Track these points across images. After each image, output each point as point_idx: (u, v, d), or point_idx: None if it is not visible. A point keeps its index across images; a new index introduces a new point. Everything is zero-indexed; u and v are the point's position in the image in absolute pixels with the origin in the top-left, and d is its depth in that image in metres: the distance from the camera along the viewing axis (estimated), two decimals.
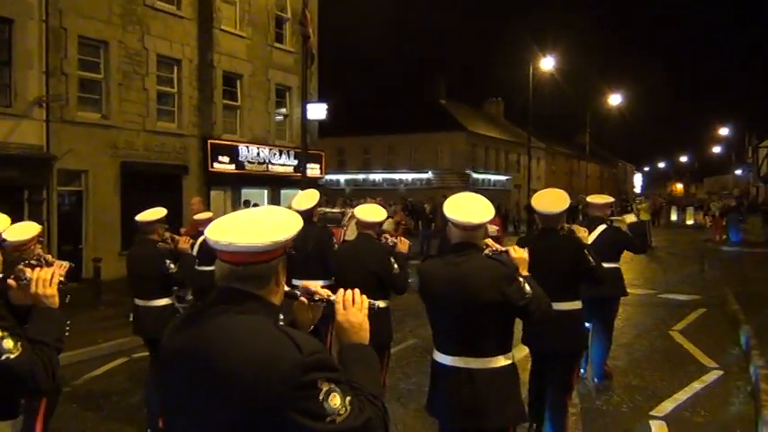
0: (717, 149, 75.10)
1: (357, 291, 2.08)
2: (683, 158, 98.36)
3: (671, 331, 9.48)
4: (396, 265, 5.07)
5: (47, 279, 2.78)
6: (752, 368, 6.94)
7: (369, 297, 5.28)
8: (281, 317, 1.91)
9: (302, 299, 2.08)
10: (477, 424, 3.35)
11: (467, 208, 3.37)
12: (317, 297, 2.09)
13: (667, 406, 6.23)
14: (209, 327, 1.78)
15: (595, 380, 6.87)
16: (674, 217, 42.26)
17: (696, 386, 6.82)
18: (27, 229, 4.92)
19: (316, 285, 2.13)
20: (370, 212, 5.30)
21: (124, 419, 6.09)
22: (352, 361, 1.93)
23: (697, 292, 12.98)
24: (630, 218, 7.43)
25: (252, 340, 1.72)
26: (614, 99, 49.34)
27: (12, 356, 2.48)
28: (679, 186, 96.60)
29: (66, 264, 3.93)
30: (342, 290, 2.08)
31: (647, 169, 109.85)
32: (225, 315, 1.79)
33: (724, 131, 65.85)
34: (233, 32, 19.41)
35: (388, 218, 5.41)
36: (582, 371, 6.83)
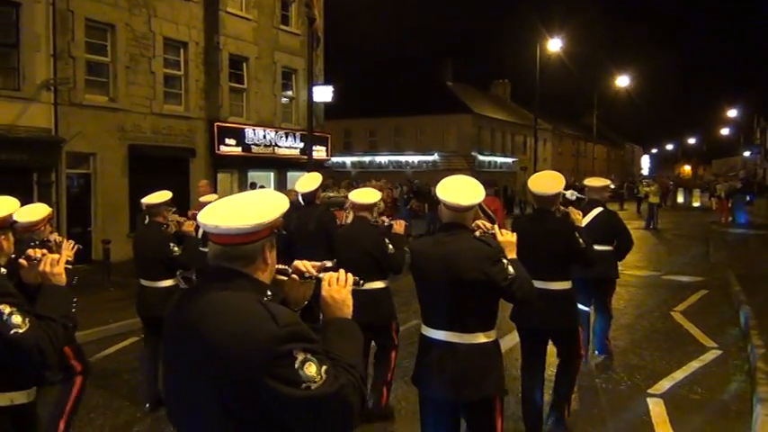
0: (725, 131, 74.78)
1: (342, 270, 2.21)
2: (692, 140, 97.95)
3: (672, 312, 9.58)
4: (391, 246, 5.19)
5: (55, 258, 2.95)
6: (750, 348, 7.05)
7: (366, 277, 5.41)
8: (269, 293, 2.02)
9: (293, 276, 2.21)
10: (457, 396, 3.50)
11: (457, 190, 3.50)
12: (307, 275, 2.21)
13: (665, 384, 6.36)
14: (201, 302, 1.94)
15: (596, 352, 7.02)
16: (680, 199, 42.20)
17: (694, 365, 6.94)
18: (37, 211, 5.08)
19: (306, 264, 2.25)
20: (364, 195, 5.43)
21: (134, 396, 6.26)
22: (334, 334, 2.06)
23: (700, 274, 13.07)
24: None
25: (233, 314, 1.87)
26: (622, 80, 49.06)
27: (20, 331, 2.62)
28: (687, 168, 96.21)
29: (73, 244, 4.07)
30: (329, 269, 2.22)
31: (654, 151, 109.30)
32: (214, 291, 1.94)
33: (732, 113, 65.48)
34: (239, 15, 19.43)
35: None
36: (582, 352, 6.97)
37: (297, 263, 2.25)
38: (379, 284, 5.23)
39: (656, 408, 5.73)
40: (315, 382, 1.80)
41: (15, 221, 3.17)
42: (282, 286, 2.21)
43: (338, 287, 2.15)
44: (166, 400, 2.10)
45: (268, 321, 1.82)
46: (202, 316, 1.89)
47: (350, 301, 2.16)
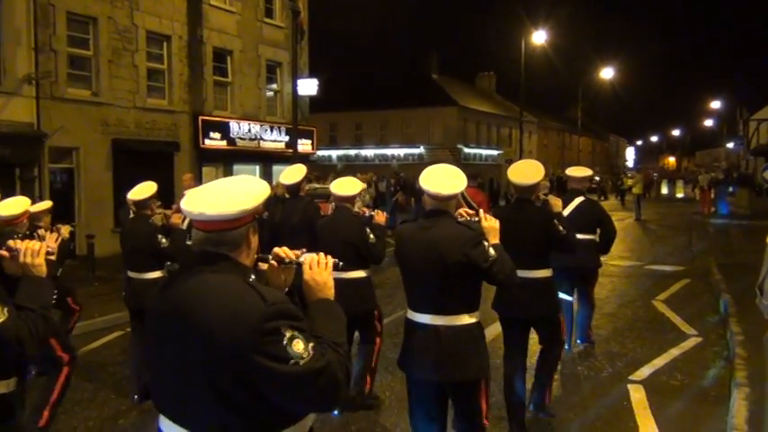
0: (709, 123, 75.34)
1: (322, 253, 2.26)
2: (676, 132, 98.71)
3: (654, 301, 9.71)
4: (372, 236, 5.24)
5: (35, 249, 2.96)
6: (729, 334, 7.17)
7: (347, 267, 5.41)
8: (253, 276, 2.07)
9: (272, 262, 2.25)
10: (442, 378, 3.57)
11: (440, 179, 3.57)
12: (287, 260, 2.25)
13: (645, 371, 6.46)
14: (186, 286, 1.98)
15: (578, 341, 7.10)
16: (664, 190, 42.57)
17: (674, 352, 7.06)
18: (18, 204, 5.10)
19: (286, 250, 2.28)
20: (345, 186, 5.47)
21: (120, 389, 6.29)
22: (318, 314, 2.11)
23: (682, 264, 13.24)
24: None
25: (222, 294, 1.91)
26: (606, 73, 49.31)
27: None
28: (671, 160, 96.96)
29: (57, 236, 4.08)
30: (309, 253, 2.26)
31: (639, 143, 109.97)
32: (200, 274, 1.98)
33: (716, 105, 66.04)
34: (222, 8, 19.34)
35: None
36: (566, 348, 7.05)
37: (276, 249, 2.28)
38: (360, 273, 5.27)
39: (637, 394, 5.82)
40: (302, 358, 1.84)
41: None
42: (263, 274, 2.24)
43: (319, 270, 2.20)
44: (154, 388, 2.11)
45: (256, 300, 1.87)
46: (189, 299, 1.93)
47: (331, 283, 2.21)
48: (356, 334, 5.63)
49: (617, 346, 7.36)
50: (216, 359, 1.85)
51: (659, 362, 6.74)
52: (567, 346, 7.04)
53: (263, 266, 2.24)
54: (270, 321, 1.84)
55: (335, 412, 5.30)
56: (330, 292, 2.20)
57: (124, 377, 6.61)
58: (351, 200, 5.44)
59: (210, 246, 2.03)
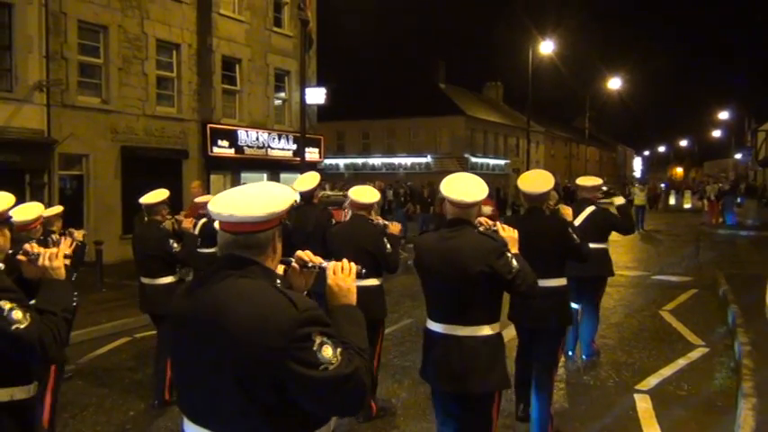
0: (717, 133, 75.01)
1: (346, 260, 2.28)
2: (684, 142, 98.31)
3: (661, 311, 9.69)
4: (389, 245, 5.26)
5: (54, 252, 2.97)
6: (736, 344, 7.15)
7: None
8: (278, 281, 2.10)
9: (295, 265, 2.29)
10: (463, 388, 3.56)
11: (462, 187, 3.58)
12: (309, 264, 2.29)
13: (652, 381, 6.44)
14: (215, 290, 2.00)
15: (584, 357, 7.07)
16: (672, 201, 42.42)
17: (681, 362, 7.04)
18: (32, 210, 5.16)
19: (309, 253, 2.32)
20: (365, 194, 5.48)
21: (127, 395, 6.32)
22: (342, 320, 2.13)
23: (690, 274, 13.20)
24: (619, 200, 7.57)
25: (253, 300, 1.94)
26: (614, 83, 49.25)
27: (21, 326, 2.62)
28: (679, 170, 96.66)
29: (71, 241, 4.13)
30: (334, 260, 2.29)
31: (646, 153, 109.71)
32: (229, 279, 2.00)
33: (724, 115, 65.71)
34: (232, 17, 19.47)
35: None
36: (570, 353, 7.05)
37: (299, 252, 2.32)
38: (374, 282, 5.28)
39: (643, 403, 5.81)
40: (332, 363, 1.87)
41: (10, 217, 3.19)
42: (284, 276, 2.28)
43: (343, 276, 2.23)
44: (180, 391, 2.13)
45: (288, 306, 1.90)
46: (219, 304, 1.95)
47: (354, 289, 2.23)
48: None
49: (623, 356, 7.35)
50: (247, 363, 1.87)
51: (666, 372, 6.72)
52: (570, 352, 7.06)
53: (281, 269, 2.26)
54: (302, 327, 1.87)
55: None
56: (353, 298, 2.22)
57: (132, 383, 6.65)
58: (369, 208, 5.45)
59: (238, 249, 2.04)
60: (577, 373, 6.70)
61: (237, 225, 2.03)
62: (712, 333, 8.25)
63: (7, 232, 3.11)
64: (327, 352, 1.88)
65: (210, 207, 2.07)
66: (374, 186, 8.80)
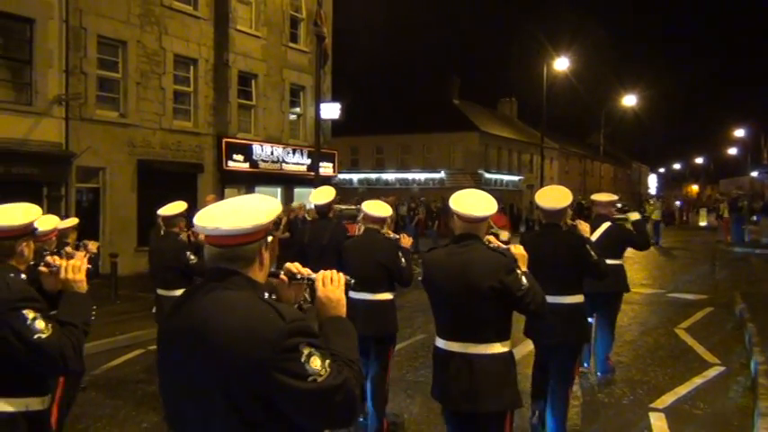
0: (732, 151, 74.52)
1: (335, 270, 2.26)
2: (699, 160, 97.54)
3: (676, 329, 9.59)
4: (403, 259, 5.26)
5: (77, 265, 3.00)
6: (752, 363, 7.07)
7: (376, 288, 5.38)
8: (267, 295, 2.10)
9: (282, 277, 2.26)
10: (474, 408, 3.52)
11: (471, 202, 3.57)
12: (298, 276, 2.26)
13: (667, 399, 6.37)
14: (201, 303, 1.98)
15: (599, 374, 7.02)
16: (686, 218, 42.13)
17: (697, 381, 6.96)
18: (48, 221, 5.22)
19: (298, 266, 2.30)
20: (378, 208, 5.49)
21: (140, 406, 6.33)
22: (332, 331, 2.12)
23: (705, 292, 13.06)
24: (635, 215, 7.55)
25: (240, 311, 1.92)
26: (629, 100, 49.17)
27: (43, 336, 2.66)
28: (694, 188, 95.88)
29: (84, 253, 4.17)
30: (322, 270, 2.26)
31: (662, 170, 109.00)
32: (215, 291, 1.99)
33: (740, 133, 65.31)
34: (248, 32, 19.68)
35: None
36: (585, 365, 7.00)
37: (288, 265, 2.30)
38: (387, 296, 5.26)
39: (658, 422, 5.75)
40: (320, 375, 1.85)
41: (36, 229, 3.24)
42: (273, 288, 2.26)
43: (332, 287, 2.21)
44: (167, 406, 2.10)
45: (275, 317, 1.88)
46: (206, 317, 1.93)
47: (344, 301, 2.21)
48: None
49: (638, 374, 7.29)
50: (233, 376, 1.85)
51: (681, 390, 6.65)
52: (585, 363, 7.01)
53: (272, 281, 2.24)
54: (289, 338, 1.85)
55: None
56: (343, 310, 2.20)
57: (146, 395, 6.67)
58: (382, 222, 5.46)
59: (224, 262, 2.03)
60: (592, 391, 6.65)
61: (222, 238, 2.02)
62: (729, 352, 8.16)
63: (32, 244, 3.16)
64: (316, 363, 1.86)
65: (197, 221, 2.06)
66: (387, 201, 8.78)
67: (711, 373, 7.27)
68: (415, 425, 5.73)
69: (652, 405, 6.20)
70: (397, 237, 5.53)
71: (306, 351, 1.86)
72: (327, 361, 1.89)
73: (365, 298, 5.10)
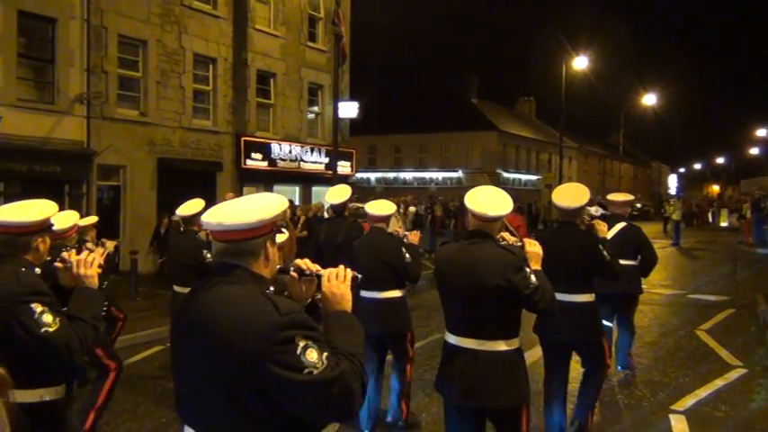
0: (754, 151, 73.51)
1: (342, 266, 2.28)
2: (720, 160, 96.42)
3: (697, 330, 9.49)
4: (408, 255, 5.27)
5: (88, 261, 3.06)
6: None
7: (384, 286, 5.41)
8: (271, 288, 2.11)
9: (293, 274, 2.29)
10: (478, 403, 3.53)
11: (486, 200, 3.56)
12: (307, 272, 2.29)
13: (688, 401, 6.31)
14: (205, 297, 2.04)
15: (619, 368, 7.00)
16: (710, 219, 41.67)
17: (718, 383, 6.88)
18: (68, 218, 5.28)
19: (307, 262, 2.32)
20: (380, 207, 5.52)
21: (160, 402, 6.39)
22: (335, 326, 2.15)
23: (727, 294, 12.92)
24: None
25: (238, 304, 1.96)
26: (649, 99, 48.75)
27: (50, 330, 2.74)
28: (715, 188, 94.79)
29: (103, 250, 4.22)
30: (330, 267, 2.29)
31: (682, 170, 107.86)
32: (218, 286, 2.04)
33: (762, 133, 64.43)
34: (267, 32, 19.75)
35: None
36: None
37: (297, 261, 2.33)
38: (396, 293, 5.28)
39: (679, 424, 5.70)
40: (316, 367, 1.87)
41: (53, 225, 3.29)
42: (286, 286, 2.30)
43: (337, 282, 2.23)
44: (177, 398, 2.16)
45: (270, 309, 1.91)
46: (207, 311, 1.98)
47: (349, 296, 2.23)
48: (388, 356, 5.61)
49: (658, 375, 7.22)
50: (232, 368, 1.89)
51: (702, 392, 6.58)
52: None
53: (283, 276, 2.28)
54: (284, 331, 1.88)
55: None
56: (348, 305, 2.22)
57: (165, 390, 6.72)
58: (386, 220, 5.49)
59: (229, 257, 2.08)
60: (612, 392, 6.60)
61: (227, 233, 2.06)
62: (751, 354, 8.06)
63: (47, 240, 3.20)
64: (312, 355, 1.87)
65: (203, 218, 2.11)
66: (407, 201, 8.78)
67: (733, 375, 7.19)
68: (433, 424, 5.72)
69: (672, 407, 6.15)
70: (405, 234, 5.55)
71: (302, 343, 1.88)
72: (325, 354, 1.91)
73: (374, 296, 5.16)
